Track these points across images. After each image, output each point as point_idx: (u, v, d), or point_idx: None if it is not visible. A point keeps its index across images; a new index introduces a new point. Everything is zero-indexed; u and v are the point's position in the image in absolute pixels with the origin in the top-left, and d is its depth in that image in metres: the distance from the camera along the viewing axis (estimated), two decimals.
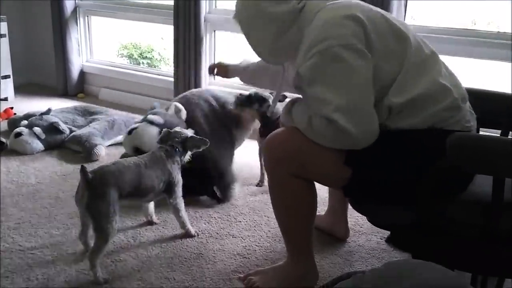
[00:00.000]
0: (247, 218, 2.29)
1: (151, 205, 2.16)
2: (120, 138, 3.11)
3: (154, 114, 2.51)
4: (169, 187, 1.98)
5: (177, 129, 2.07)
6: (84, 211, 1.78)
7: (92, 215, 1.74)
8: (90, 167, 2.75)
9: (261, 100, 2.43)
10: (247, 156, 2.90)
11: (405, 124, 1.41)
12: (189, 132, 2.08)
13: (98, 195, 1.72)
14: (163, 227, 2.17)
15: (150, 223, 2.19)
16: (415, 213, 1.38)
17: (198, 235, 2.12)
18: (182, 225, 2.09)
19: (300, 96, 1.62)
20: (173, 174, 1.97)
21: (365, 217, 1.63)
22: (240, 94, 2.50)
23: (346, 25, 1.38)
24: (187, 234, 2.10)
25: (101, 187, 1.73)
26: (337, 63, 1.37)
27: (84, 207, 1.75)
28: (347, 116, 1.36)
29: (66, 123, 3.13)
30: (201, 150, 2.06)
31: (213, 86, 3.65)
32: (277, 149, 1.56)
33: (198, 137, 2.05)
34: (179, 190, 2.01)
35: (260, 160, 2.65)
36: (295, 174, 1.54)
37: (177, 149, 1.99)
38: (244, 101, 2.45)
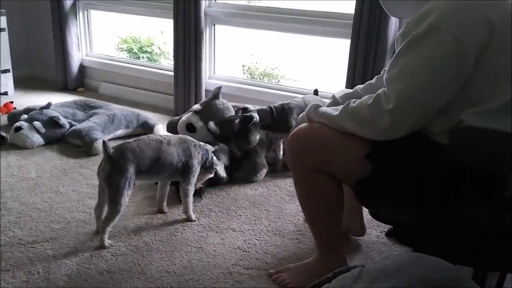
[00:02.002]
0: (247, 212, 2.30)
1: (165, 193, 2.23)
2: (120, 132, 3.11)
3: None
4: (186, 171, 2.10)
5: (213, 148, 2.25)
6: (103, 183, 1.93)
7: (109, 186, 1.91)
8: (91, 161, 2.78)
9: (250, 119, 2.45)
10: None
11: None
12: (211, 152, 2.22)
13: (117, 169, 1.89)
14: (163, 221, 2.18)
15: (160, 211, 2.24)
16: (424, 211, 1.37)
17: (198, 219, 2.19)
18: (186, 209, 2.18)
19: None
20: (193, 158, 2.10)
21: (367, 210, 1.63)
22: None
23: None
24: (187, 219, 2.19)
25: (120, 162, 1.89)
26: (435, 48, 1.29)
27: (103, 179, 1.91)
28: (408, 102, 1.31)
29: (66, 117, 3.13)
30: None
31: (214, 80, 3.65)
32: (301, 143, 1.56)
33: (211, 159, 2.19)
34: (193, 178, 2.14)
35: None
36: (317, 169, 1.54)
37: (206, 150, 2.17)
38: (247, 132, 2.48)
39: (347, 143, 1.46)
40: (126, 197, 1.92)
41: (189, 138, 2.15)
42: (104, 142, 1.88)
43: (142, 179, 2.09)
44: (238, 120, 2.48)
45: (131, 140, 1.99)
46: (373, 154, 1.43)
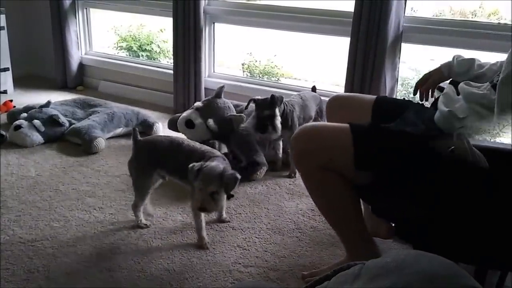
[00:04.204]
0: (247, 210, 2.30)
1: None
2: (119, 130, 3.11)
3: None
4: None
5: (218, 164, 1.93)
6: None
7: (130, 171, 2.10)
8: (90, 160, 2.77)
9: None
10: None
11: None
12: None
13: (139, 156, 2.04)
14: (163, 219, 2.18)
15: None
16: (424, 208, 1.38)
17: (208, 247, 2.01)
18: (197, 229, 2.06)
19: None
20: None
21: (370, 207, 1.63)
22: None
23: None
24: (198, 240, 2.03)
25: (140, 149, 2.04)
26: None
27: (129, 164, 2.10)
28: None
29: (65, 115, 3.13)
30: None
31: (213, 78, 3.65)
32: (305, 143, 1.56)
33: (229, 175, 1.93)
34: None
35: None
36: (324, 167, 1.53)
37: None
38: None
39: (348, 143, 1.47)
40: (148, 183, 2.03)
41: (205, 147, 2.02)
42: (134, 129, 2.08)
43: (164, 176, 2.07)
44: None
45: (161, 135, 2.08)
46: (361, 160, 1.46)
